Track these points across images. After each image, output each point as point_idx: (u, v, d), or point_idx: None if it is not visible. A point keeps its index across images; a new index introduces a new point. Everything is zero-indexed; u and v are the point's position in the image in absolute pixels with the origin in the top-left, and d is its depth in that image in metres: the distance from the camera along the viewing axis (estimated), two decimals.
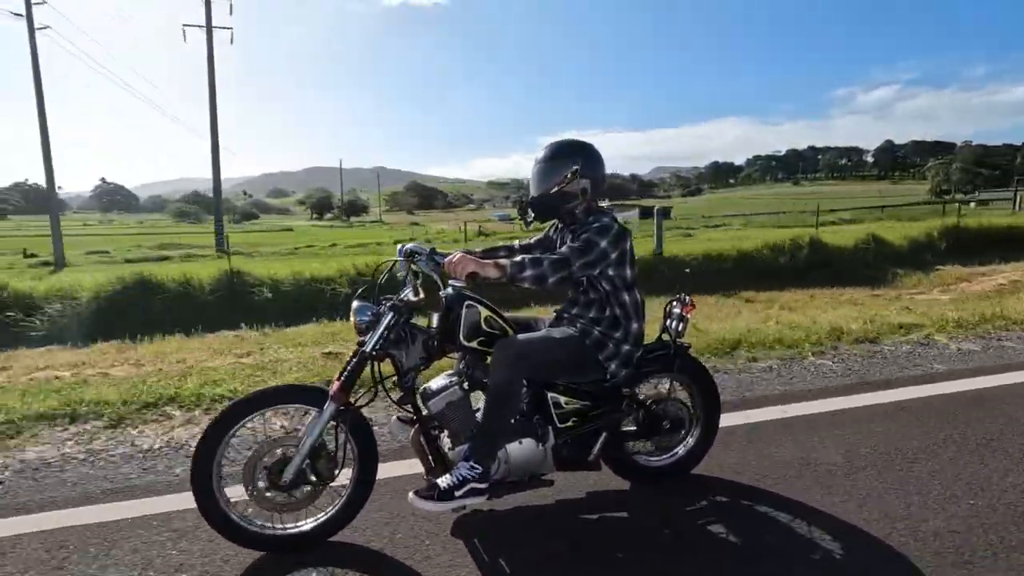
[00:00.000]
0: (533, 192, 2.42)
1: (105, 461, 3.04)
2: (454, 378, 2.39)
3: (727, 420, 3.11)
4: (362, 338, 2.23)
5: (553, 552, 2.22)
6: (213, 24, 24.06)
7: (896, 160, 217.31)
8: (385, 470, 2.59)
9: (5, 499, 2.66)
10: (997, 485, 2.60)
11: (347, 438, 2.21)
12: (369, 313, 2.23)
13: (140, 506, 2.56)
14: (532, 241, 2.67)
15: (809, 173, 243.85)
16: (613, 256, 2.30)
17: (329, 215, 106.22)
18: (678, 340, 2.59)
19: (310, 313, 8.07)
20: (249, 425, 2.25)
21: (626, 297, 2.38)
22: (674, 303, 2.62)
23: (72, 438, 3.32)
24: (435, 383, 2.38)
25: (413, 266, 2.35)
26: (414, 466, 2.66)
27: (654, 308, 2.77)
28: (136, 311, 7.71)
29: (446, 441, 2.36)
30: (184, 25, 24.68)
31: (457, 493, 2.14)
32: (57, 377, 4.79)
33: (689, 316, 2.60)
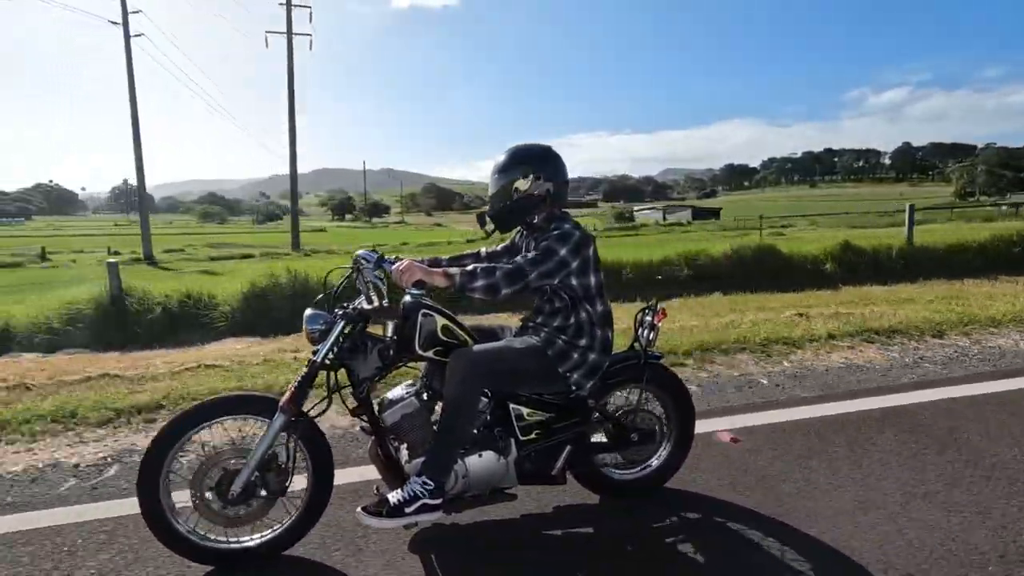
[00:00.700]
0: (491, 202, 2.35)
1: None
2: (412, 388, 2.32)
3: None
4: (315, 347, 2.17)
5: (515, 569, 2.15)
6: (293, 31, 25.39)
7: (914, 162, 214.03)
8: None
9: None
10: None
11: (296, 449, 2.15)
12: (321, 322, 2.16)
13: None
14: (499, 248, 2.60)
15: (825, 175, 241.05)
16: (575, 264, 2.22)
17: (349, 216, 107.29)
18: (648, 349, 2.50)
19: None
20: (203, 435, 2.20)
21: (589, 305, 2.29)
22: (645, 311, 2.54)
23: None
24: (393, 393, 2.32)
25: (363, 273, 2.28)
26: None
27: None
28: (291, 305, 7.94)
29: (405, 453, 2.30)
30: (267, 32, 26.06)
31: (407, 510, 2.06)
32: None
33: (660, 324, 2.51)
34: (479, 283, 2.08)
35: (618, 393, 2.58)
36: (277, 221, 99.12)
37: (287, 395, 2.10)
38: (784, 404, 3.64)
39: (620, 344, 2.52)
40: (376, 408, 2.26)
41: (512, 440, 2.32)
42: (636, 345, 2.52)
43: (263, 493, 2.12)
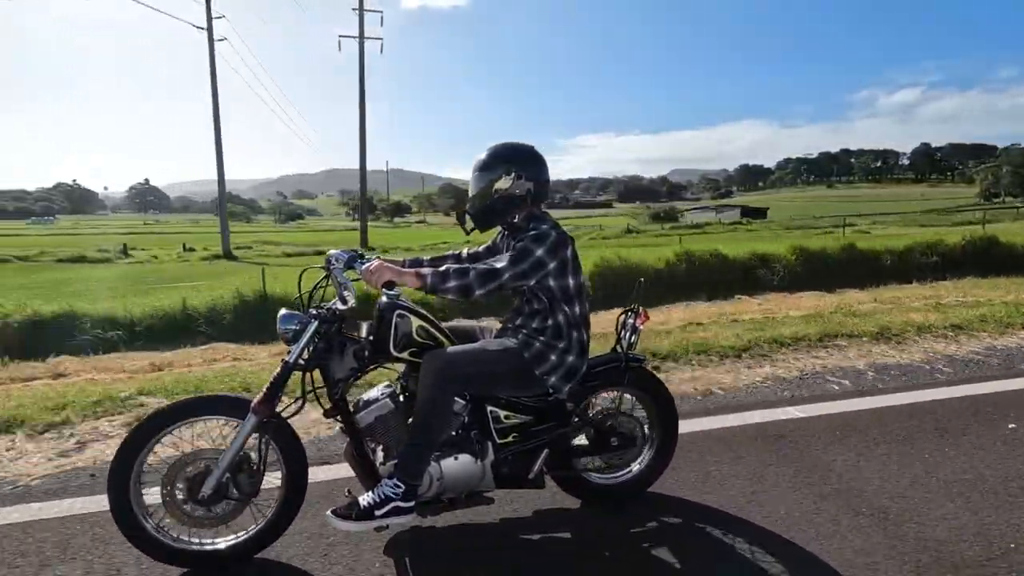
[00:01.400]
0: (471, 201, 2.32)
1: None
2: (388, 390, 2.30)
3: None
4: (289, 348, 2.16)
5: (492, 572, 2.13)
6: (365, 35, 27.15)
7: (933, 163, 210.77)
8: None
9: None
10: None
11: (267, 450, 2.13)
12: (296, 322, 2.15)
13: None
14: (480, 249, 2.57)
15: (842, 176, 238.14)
16: (552, 265, 2.19)
17: (370, 217, 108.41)
18: (630, 352, 2.46)
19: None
20: (176, 435, 2.19)
21: (567, 307, 2.25)
22: (628, 313, 2.49)
23: None
24: (369, 394, 2.30)
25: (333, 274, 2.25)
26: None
27: None
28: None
29: (380, 455, 2.28)
30: (340, 36, 27.14)
31: (378, 512, 2.03)
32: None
33: (642, 327, 2.47)
34: (451, 283, 2.06)
35: (599, 396, 2.54)
36: (299, 221, 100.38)
37: (259, 396, 2.09)
38: None
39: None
40: (352, 409, 2.24)
41: (489, 443, 2.29)
42: (618, 348, 2.48)
43: (234, 495, 2.10)
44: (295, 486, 2.20)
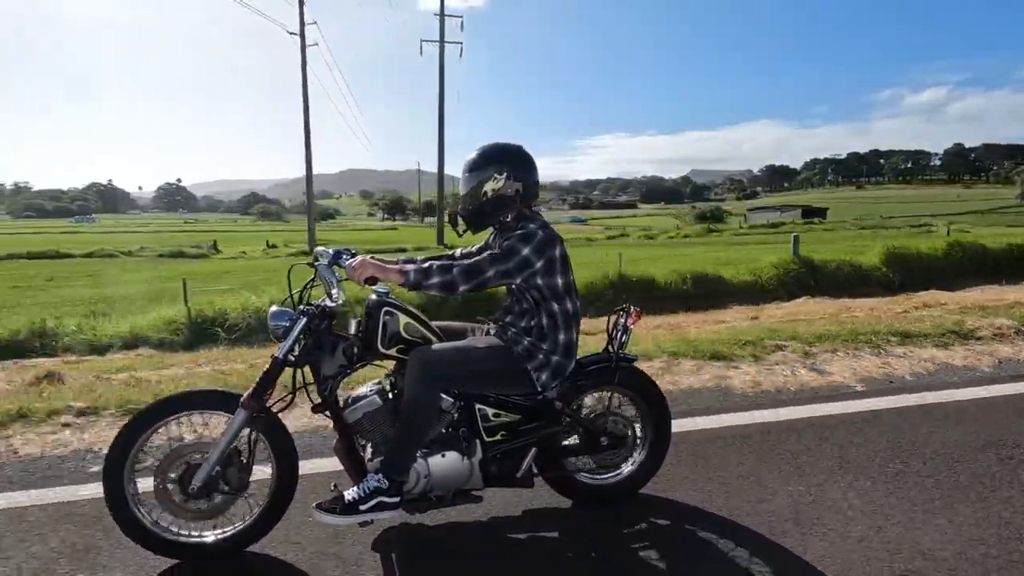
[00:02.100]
0: (462, 202, 2.33)
1: None
2: (377, 387, 2.32)
3: None
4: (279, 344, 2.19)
5: (480, 571, 2.13)
6: (446, 39, 28.20)
7: (966, 164, 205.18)
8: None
9: None
10: None
11: (256, 446, 2.16)
12: (286, 319, 2.18)
13: None
14: (474, 249, 2.57)
15: (871, 177, 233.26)
16: (539, 264, 2.18)
17: (399, 217, 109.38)
18: (621, 352, 2.44)
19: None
20: (170, 428, 2.23)
21: (556, 307, 2.25)
22: (619, 313, 2.48)
23: None
24: (358, 391, 2.32)
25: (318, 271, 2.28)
26: None
27: None
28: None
29: (369, 451, 2.30)
30: (422, 40, 29.15)
31: (362, 507, 2.06)
32: None
33: (633, 327, 2.45)
34: (434, 280, 2.07)
35: (590, 396, 2.53)
36: (329, 220, 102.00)
37: (248, 392, 2.13)
38: None
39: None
40: (342, 405, 2.27)
41: (477, 441, 2.30)
42: (610, 348, 2.46)
43: (224, 488, 2.14)
44: (285, 480, 2.23)
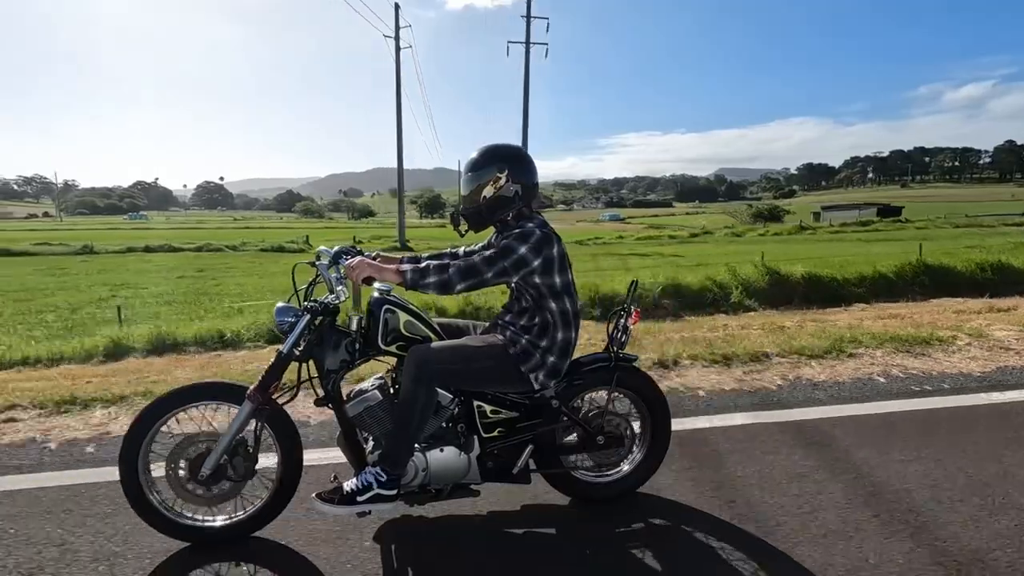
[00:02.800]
0: (463, 201, 2.37)
1: None
2: (379, 382, 2.38)
3: None
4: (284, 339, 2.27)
5: (476, 563, 2.17)
6: (532, 40, 28.55)
7: (1020, 161, 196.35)
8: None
9: None
10: None
11: (261, 436, 2.25)
12: (291, 315, 2.26)
13: None
14: (476, 248, 2.62)
15: (916, 175, 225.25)
16: (536, 263, 2.21)
17: (436, 215, 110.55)
18: (621, 351, 2.46)
19: None
20: (182, 417, 2.33)
21: (554, 305, 2.28)
22: (619, 313, 2.49)
23: None
24: (361, 385, 2.39)
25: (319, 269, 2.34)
26: None
27: None
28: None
29: (370, 444, 2.36)
30: (509, 42, 29.26)
31: (360, 498, 2.12)
32: None
33: (632, 327, 2.46)
34: (430, 279, 2.12)
35: (589, 395, 2.55)
36: (370, 218, 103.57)
37: (254, 384, 2.21)
38: None
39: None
40: (345, 399, 2.34)
41: (475, 437, 2.35)
42: (611, 348, 2.48)
43: (231, 476, 2.23)
44: (290, 469, 2.32)
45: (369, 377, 2.48)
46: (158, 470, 2.25)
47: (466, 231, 2.41)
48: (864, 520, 2.37)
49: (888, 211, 59.44)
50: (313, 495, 2.17)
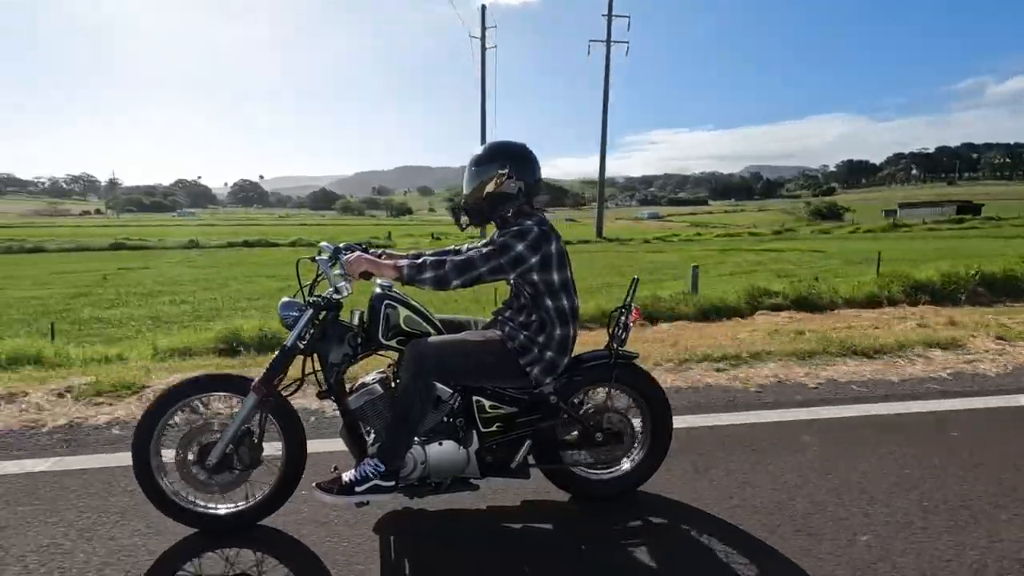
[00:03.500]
0: (466, 196, 2.40)
1: None
2: (381, 376, 2.43)
3: None
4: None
5: (472, 559, 2.20)
6: (612, 39, 29.84)
7: None
8: None
9: None
10: None
11: (265, 426, 2.32)
12: (295, 310, 2.32)
13: None
14: (478, 244, 2.64)
15: (964, 173, 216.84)
16: (533, 260, 2.22)
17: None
18: (621, 349, 2.45)
19: None
20: (192, 406, 2.41)
21: (551, 302, 2.29)
22: (620, 310, 2.49)
23: None
24: (364, 379, 2.44)
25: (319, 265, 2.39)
26: None
27: None
28: None
29: (371, 436, 2.41)
30: (590, 41, 30.12)
31: (358, 489, 2.17)
32: None
33: (633, 324, 2.45)
34: (427, 275, 2.15)
35: (590, 392, 2.55)
36: (408, 216, 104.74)
37: (259, 376, 2.28)
38: None
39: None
40: (347, 392, 2.39)
41: (474, 431, 2.37)
42: (611, 345, 2.47)
43: (237, 465, 2.31)
44: (294, 459, 2.38)
45: (371, 371, 2.53)
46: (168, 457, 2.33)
47: (467, 225, 2.44)
48: None
49: (967, 208, 57.34)
50: (314, 484, 2.22)
